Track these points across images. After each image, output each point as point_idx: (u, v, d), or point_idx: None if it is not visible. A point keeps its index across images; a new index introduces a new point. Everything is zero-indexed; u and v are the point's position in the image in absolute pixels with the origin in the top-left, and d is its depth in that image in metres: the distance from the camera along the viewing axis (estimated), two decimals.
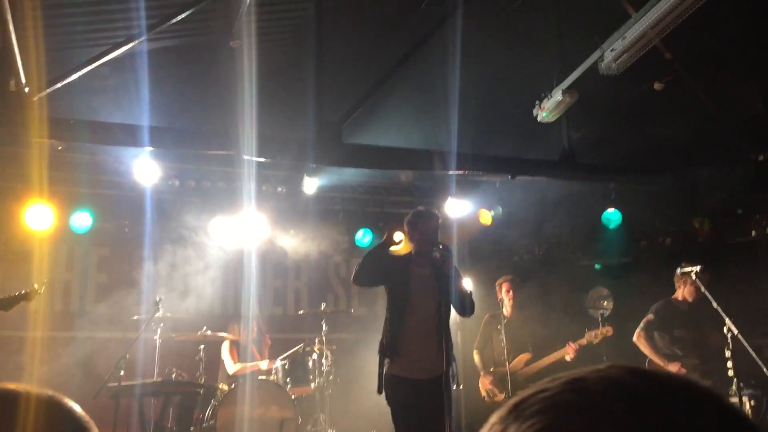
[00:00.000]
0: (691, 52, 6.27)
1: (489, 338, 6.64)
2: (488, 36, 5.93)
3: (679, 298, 6.30)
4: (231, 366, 6.91)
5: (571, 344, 6.16)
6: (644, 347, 6.17)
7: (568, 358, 6.16)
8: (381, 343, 4.88)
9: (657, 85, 6.58)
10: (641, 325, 6.23)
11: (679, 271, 6.22)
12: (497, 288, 6.76)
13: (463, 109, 5.98)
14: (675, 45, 5.78)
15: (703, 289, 5.67)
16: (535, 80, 6.02)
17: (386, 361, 4.77)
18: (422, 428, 4.65)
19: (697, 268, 5.86)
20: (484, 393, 6.53)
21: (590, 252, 7.94)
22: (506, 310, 6.60)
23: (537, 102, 5.95)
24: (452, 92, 5.95)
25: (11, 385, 0.93)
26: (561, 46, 5.93)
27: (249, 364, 6.84)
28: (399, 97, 6.39)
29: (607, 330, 6.20)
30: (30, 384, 0.94)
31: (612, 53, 5.23)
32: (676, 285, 6.35)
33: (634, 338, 6.25)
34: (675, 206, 7.73)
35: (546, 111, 5.91)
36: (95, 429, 0.95)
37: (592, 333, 6.20)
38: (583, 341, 6.18)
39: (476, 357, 6.71)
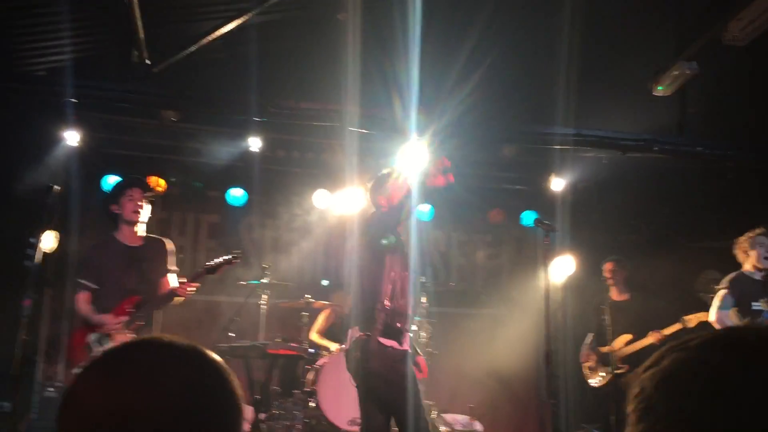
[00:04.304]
0: None
1: (597, 319, 6.63)
2: (603, 2, 5.67)
3: (749, 269, 5.56)
4: (312, 333, 7.05)
5: (654, 333, 6.15)
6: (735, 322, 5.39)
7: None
8: (391, 326, 4.38)
9: None
10: (717, 303, 5.52)
11: (745, 237, 5.53)
12: (603, 270, 6.69)
13: (568, 80, 5.80)
14: None
15: None
16: (651, 51, 5.75)
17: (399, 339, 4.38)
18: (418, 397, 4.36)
19: None
20: (586, 371, 6.69)
21: (702, 233, 7.55)
22: (611, 291, 6.62)
23: (653, 74, 5.70)
24: (560, 62, 5.77)
25: (159, 336, 1.05)
26: (681, 14, 5.63)
27: (322, 342, 6.94)
28: (500, 69, 6.24)
29: (705, 315, 5.80)
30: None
31: (738, 23, 4.93)
32: (740, 256, 5.61)
33: (712, 319, 5.50)
34: None
35: (662, 84, 5.65)
36: (234, 377, 1.02)
37: (688, 317, 6.01)
38: (671, 329, 6.06)
39: (589, 338, 6.74)
